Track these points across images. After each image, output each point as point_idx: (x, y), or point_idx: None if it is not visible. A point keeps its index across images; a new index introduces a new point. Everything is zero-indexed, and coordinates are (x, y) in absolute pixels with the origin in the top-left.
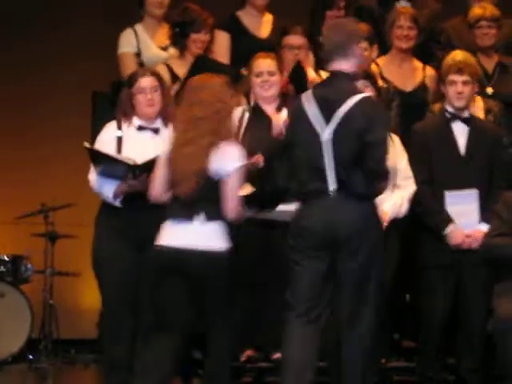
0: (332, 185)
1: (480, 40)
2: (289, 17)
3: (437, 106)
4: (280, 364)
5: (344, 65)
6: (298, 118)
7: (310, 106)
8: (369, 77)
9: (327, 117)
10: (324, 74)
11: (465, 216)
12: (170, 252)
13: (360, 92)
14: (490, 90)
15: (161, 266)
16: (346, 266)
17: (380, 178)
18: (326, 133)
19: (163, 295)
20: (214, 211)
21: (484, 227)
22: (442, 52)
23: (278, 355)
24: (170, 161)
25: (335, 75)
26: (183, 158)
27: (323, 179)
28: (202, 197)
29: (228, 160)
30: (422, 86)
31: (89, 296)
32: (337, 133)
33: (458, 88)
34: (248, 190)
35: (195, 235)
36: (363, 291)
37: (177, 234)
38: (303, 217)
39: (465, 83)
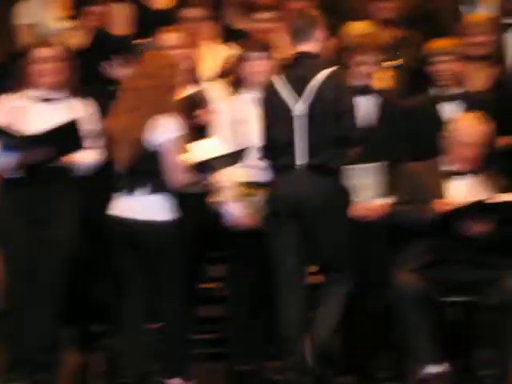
0: (301, 159)
1: (381, 12)
2: None
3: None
4: None
5: (307, 47)
6: (270, 98)
7: (281, 85)
8: (266, 48)
9: (300, 93)
10: (234, 47)
11: (367, 189)
12: (118, 222)
13: (327, 68)
14: (394, 63)
15: (113, 235)
16: (311, 236)
17: (352, 144)
18: (299, 108)
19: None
20: (158, 183)
21: (385, 200)
22: (343, 22)
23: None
24: (107, 130)
25: (300, 56)
26: (120, 127)
27: (294, 153)
28: (144, 169)
29: (162, 131)
30: None
31: None
32: (311, 107)
33: (368, 69)
34: (201, 155)
35: (139, 207)
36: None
37: (123, 205)
38: (274, 188)
39: (374, 63)
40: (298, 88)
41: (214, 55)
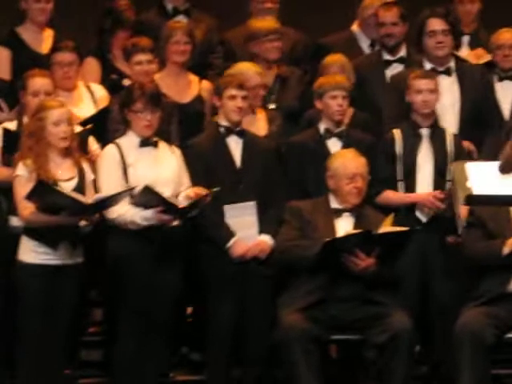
0: None
1: (270, 53)
2: (79, 32)
3: (216, 119)
4: None
5: None
6: None
7: None
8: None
9: None
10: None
11: (244, 228)
12: None
13: None
14: (272, 106)
15: None
16: None
17: None
18: None
19: None
20: None
21: (265, 237)
22: (222, 62)
23: None
24: None
25: None
26: None
27: None
28: None
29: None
30: (198, 99)
31: None
32: None
33: (238, 103)
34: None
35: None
36: None
37: None
38: None
39: (244, 98)
40: None
41: (88, 98)
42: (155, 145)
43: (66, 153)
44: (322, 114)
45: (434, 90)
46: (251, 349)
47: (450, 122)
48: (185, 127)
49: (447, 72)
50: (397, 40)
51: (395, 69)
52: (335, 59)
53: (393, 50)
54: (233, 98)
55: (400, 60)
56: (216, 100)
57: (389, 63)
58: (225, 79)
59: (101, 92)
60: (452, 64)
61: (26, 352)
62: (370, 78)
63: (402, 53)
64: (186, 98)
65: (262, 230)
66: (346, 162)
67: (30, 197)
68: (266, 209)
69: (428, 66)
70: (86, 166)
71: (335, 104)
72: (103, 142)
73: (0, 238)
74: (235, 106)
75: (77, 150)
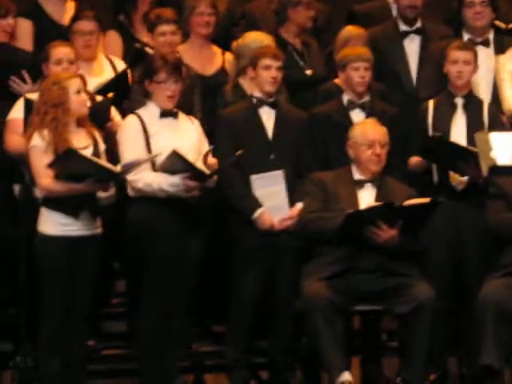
0: None
1: (307, 21)
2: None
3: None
4: None
5: None
6: None
7: None
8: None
9: None
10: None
11: (273, 198)
12: None
13: None
14: (309, 72)
15: None
16: None
17: None
18: None
19: None
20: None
21: (299, 206)
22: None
23: None
24: None
25: None
26: None
27: None
28: None
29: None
30: (222, 71)
31: None
32: None
33: (273, 73)
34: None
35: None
36: None
37: None
38: None
39: (278, 69)
40: None
41: (109, 68)
42: (175, 115)
43: (79, 122)
44: (344, 85)
45: (470, 62)
46: (279, 319)
47: (484, 92)
48: (208, 99)
49: (485, 43)
50: (418, 11)
51: (412, 40)
52: (356, 31)
53: (410, 22)
54: (268, 68)
55: (417, 31)
56: (250, 71)
57: (406, 34)
58: (260, 49)
59: (122, 66)
60: (491, 35)
61: (47, 323)
62: (389, 49)
63: (419, 24)
64: (210, 70)
65: (293, 199)
66: (364, 130)
67: (54, 164)
68: (297, 178)
69: (466, 36)
70: (97, 135)
71: (357, 76)
72: (123, 112)
73: (25, 210)
74: (270, 77)
75: (87, 119)
